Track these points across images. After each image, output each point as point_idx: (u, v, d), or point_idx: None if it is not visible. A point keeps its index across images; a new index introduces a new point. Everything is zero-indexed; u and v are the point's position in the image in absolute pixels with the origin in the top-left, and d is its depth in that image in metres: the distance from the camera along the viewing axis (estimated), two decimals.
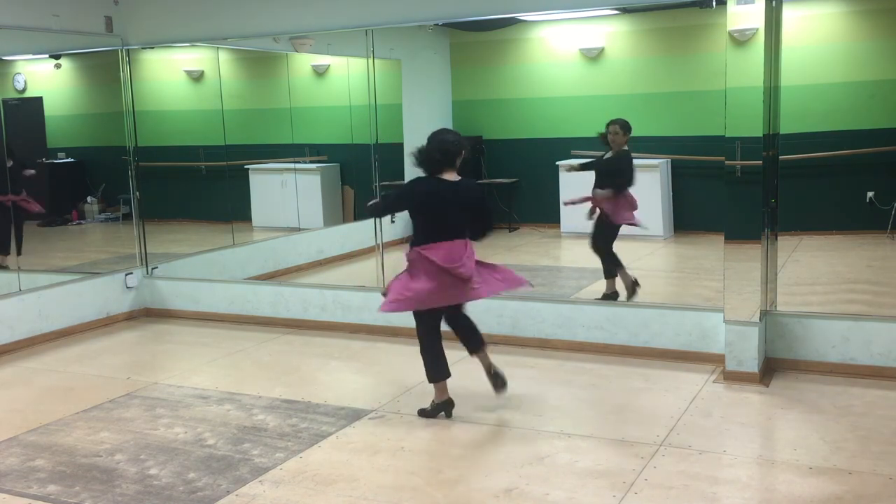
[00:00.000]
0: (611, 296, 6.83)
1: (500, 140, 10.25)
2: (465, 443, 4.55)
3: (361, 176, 8.33)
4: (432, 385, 4.90)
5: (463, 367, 5.78)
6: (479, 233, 4.90)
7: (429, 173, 4.75)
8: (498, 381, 4.94)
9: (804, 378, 5.37)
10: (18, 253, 7.58)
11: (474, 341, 4.98)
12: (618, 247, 6.93)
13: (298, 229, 9.53)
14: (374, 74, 7.16)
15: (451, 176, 4.74)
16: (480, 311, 6.30)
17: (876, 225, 8.53)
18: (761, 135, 5.34)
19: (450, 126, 10.31)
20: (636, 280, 6.77)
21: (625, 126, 6.78)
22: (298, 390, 5.49)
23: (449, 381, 4.89)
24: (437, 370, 4.86)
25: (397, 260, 9.19)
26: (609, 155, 6.87)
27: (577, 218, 7.49)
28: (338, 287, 7.10)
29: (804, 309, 5.79)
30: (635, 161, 6.93)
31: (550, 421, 4.81)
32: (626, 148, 6.80)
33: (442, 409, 4.89)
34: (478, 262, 4.82)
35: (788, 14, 5.66)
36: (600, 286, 6.99)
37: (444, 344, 4.92)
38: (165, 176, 8.94)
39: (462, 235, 4.76)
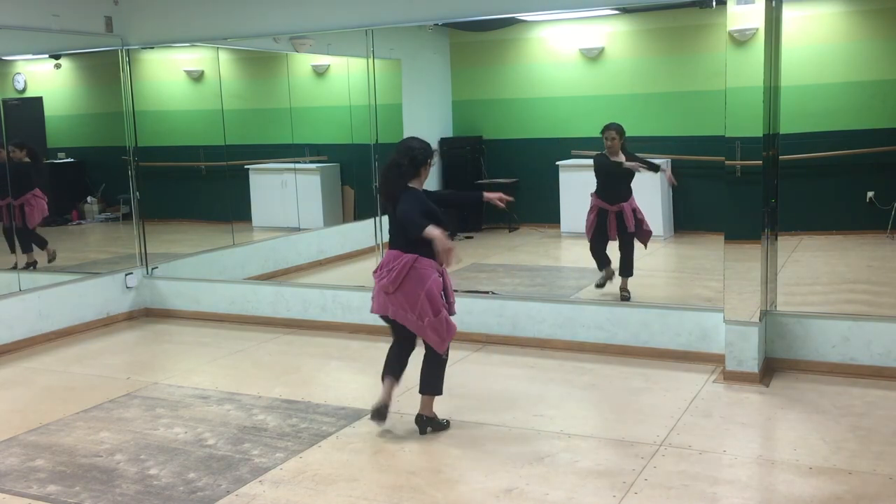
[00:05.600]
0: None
1: (500, 140, 10.25)
2: (465, 443, 4.55)
3: (361, 176, 8.33)
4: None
5: (462, 367, 5.79)
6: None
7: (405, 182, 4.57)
8: (420, 424, 4.71)
9: (804, 378, 5.37)
10: None
11: (422, 384, 4.72)
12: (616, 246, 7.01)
13: (298, 229, 9.52)
14: (374, 74, 7.16)
15: (416, 185, 4.59)
16: (480, 311, 6.33)
17: (876, 225, 8.52)
18: (761, 135, 5.34)
19: (450, 126, 10.34)
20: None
21: (621, 130, 6.88)
22: (298, 390, 5.49)
23: (447, 381, 4.83)
24: (383, 369, 4.80)
25: None
26: (617, 158, 6.87)
27: (577, 218, 7.49)
28: (338, 287, 7.10)
29: (804, 309, 5.78)
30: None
31: (550, 421, 4.80)
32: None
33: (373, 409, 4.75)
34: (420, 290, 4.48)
35: (788, 14, 5.66)
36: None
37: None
38: (165, 176, 8.94)
39: (399, 246, 4.54)
